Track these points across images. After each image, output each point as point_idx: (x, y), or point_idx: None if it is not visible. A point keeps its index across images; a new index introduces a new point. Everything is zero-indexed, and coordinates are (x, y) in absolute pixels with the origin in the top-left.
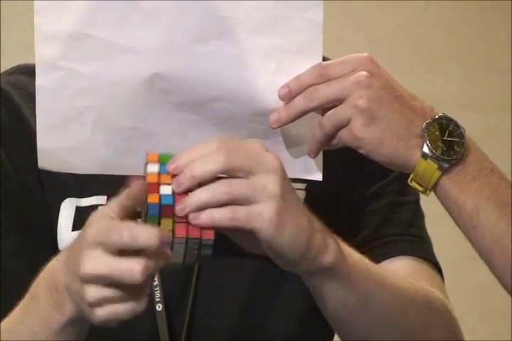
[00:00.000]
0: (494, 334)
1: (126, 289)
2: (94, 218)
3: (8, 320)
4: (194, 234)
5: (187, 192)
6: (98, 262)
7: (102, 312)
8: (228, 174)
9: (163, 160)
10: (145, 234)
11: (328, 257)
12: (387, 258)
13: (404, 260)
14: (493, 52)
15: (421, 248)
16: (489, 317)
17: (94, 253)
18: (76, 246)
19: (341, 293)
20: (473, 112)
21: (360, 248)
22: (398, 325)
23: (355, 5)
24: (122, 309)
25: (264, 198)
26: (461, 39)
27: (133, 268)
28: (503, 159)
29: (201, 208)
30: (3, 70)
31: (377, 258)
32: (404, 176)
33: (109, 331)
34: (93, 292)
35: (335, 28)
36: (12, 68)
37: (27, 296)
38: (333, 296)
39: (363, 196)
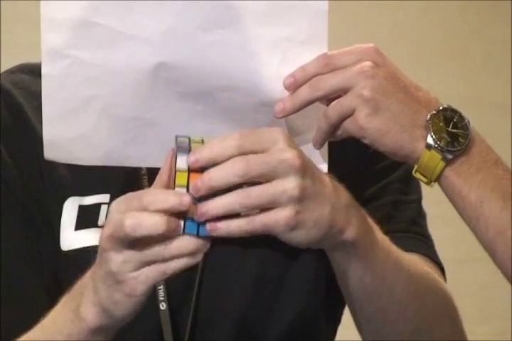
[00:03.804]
0: (494, 335)
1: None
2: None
3: (35, 328)
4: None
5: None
6: (115, 223)
7: (126, 285)
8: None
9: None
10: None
11: (349, 233)
12: None
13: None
14: (493, 52)
15: (425, 246)
16: (489, 317)
17: (114, 218)
18: None
19: (359, 271)
20: (472, 112)
21: None
22: (411, 312)
23: (355, 5)
24: (144, 276)
25: (282, 203)
26: (461, 39)
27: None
28: (502, 159)
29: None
30: (3, 70)
31: None
32: (407, 176)
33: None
34: (113, 257)
35: (334, 27)
36: (14, 67)
37: (58, 306)
38: (351, 274)
39: (365, 194)
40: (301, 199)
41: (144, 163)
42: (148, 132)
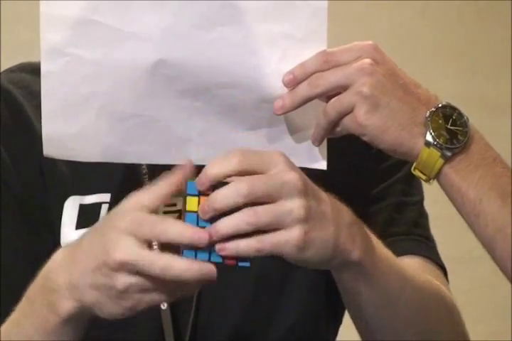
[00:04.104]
0: (494, 334)
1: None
2: (126, 208)
3: (5, 325)
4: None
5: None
6: (131, 250)
7: (128, 302)
8: (252, 201)
9: None
10: (176, 229)
11: (355, 253)
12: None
13: (411, 259)
14: (492, 52)
15: (427, 248)
16: (489, 317)
17: (126, 241)
18: (97, 236)
19: (366, 288)
20: (472, 112)
21: None
22: (416, 321)
23: (354, 4)
24: (149, 298)
25: (289, 223)
26: (460, 39)
27: (169, 261)
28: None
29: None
30: (3, 70)
31: None
32: (409, 176)
33: (113, 330)
34: (124, 279)
35: (333, 27)
36: (14, 66)
37: (23, 300)
38: (358, 292)
39: (368, 195)
40: (307, 219)
41: (143, 160)
42: (147, 129)
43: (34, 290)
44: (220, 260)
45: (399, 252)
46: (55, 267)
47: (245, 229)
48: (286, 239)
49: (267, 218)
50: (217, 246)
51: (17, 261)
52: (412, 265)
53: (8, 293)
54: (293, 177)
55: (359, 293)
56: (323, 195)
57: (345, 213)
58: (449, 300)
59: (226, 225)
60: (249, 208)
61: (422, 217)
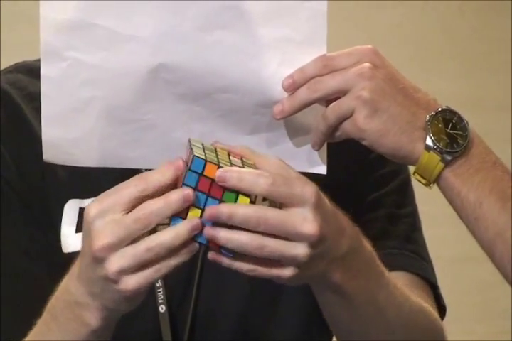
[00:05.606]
0: (494, 334)
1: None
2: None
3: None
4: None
5: None
6: (109, 231)
7: (131, 281)
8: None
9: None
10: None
11: (335, 278)
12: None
13: (401, 275)
14: (492, 51)
15: (418, 265)
16: (489, 317)
17: (103, 223)
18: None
19: (340, 310)
20: (472, 112)
21: None
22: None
23: (354, 4)
24: (150, 273)
25: (287, 263)
26: (460, 38)
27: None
28: (502, 159)
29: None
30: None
31: None
32: (403, 186)
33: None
34: (114, 262)
35: (334, 27)
36: (10, 67)
37: (45, 314)
38: (329, 308)
39: (362, 202)
40: (306, 263)
41: (143, 165)
42: (147, 134)
43: (56, 304)
44: (205, 241)
45: (389, 267)
46: (73, 280)
47: (245, 252)
48: (279, 275)
49: (270, 254)
50: (211, 255)
51: (20, 263)
52: (402, 282)
53: (10, 295)
54: (310, 231)
55: (329, 310)
56: (331, 235)
57: (344, 242)
58: (439, 327)
59: (227, 239)
60: (258, 237)
61: (415, 230)
